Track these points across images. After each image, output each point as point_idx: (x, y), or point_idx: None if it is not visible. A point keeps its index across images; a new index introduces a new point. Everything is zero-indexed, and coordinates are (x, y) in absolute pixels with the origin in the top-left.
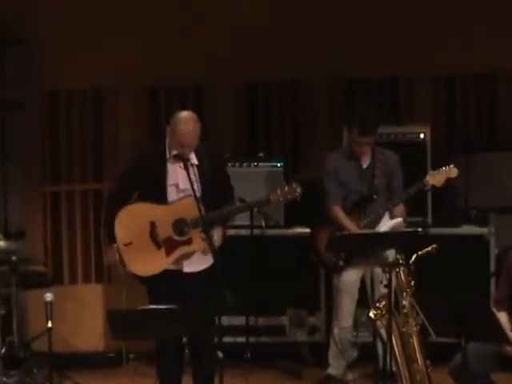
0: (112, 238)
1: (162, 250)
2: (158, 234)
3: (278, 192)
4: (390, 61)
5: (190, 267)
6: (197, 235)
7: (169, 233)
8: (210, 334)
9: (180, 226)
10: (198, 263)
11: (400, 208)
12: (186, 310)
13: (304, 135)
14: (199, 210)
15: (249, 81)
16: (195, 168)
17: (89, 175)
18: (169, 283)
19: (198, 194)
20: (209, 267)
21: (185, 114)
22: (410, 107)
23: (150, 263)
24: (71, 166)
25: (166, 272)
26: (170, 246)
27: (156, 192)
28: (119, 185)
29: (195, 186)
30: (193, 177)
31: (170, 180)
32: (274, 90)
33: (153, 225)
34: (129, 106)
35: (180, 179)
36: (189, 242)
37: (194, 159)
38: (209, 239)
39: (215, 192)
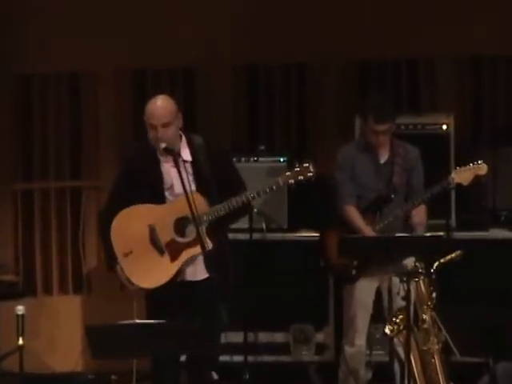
0: (115, 259)
1: (166, 256)
2: (159, 238)
3: (288, 173)
4: (407, 41)
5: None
6: (204, 234)
7: (170, 235)
8: (207, 354)
9: (182, 225)
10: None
11: (421, 209)
12: (176, 325)
13: (311, 126)
14: (190, 206)
15: (248, 63)
16: (189, 164)
17: (65, 171)
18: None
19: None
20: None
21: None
22: (431, 94)
23: (154, 273)
24: (45, 160)
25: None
26: (173, 250)
27: (153, 198)
28: (112, 200)
29: (186, 182)
30: (184, 175)
31: (166, 183)
32: (277, 75)
33: (152, 228)
34: (110, 92)
35: (175, 181)
36: (194, 242)
37: (187, 155)
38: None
39: (224, 191)
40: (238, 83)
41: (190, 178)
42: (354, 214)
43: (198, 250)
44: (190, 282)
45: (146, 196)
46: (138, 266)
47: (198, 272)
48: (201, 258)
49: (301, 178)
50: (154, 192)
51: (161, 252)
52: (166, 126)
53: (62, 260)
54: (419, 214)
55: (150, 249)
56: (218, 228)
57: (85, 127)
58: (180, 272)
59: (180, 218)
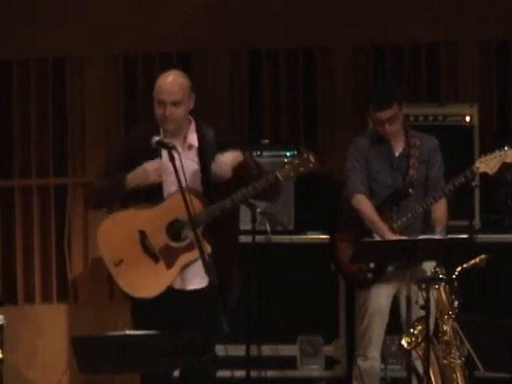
0: (120, 178)
1: (161, 263)
2: (151, 243)
3: (287, 167)
4: (427, 22)
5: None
6: (199, 237)
7: (164, 240)
8: (205, 369)
9: (176, 228)
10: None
11: (441, 204)
12: (171, 336)
13: (320, 117)
14: (187, 206)
15: (251, 47)
16: (194, 151)
17: (49, 167)
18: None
19: (198, 187)
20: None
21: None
22: (453, 82)
23: (150, 281)
24: (27, 155)
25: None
26: (168, 256)
27: (149, 188)
28: (106, 173)
29: (182, 179)
30: (180, 169)
31: (165, 172)
32: (283, 60)
33: (142, 234)
34: (97, 78)
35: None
36: (191, 247)
37: (193, 140)
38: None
39: (223, 192)
40: (239, 69)
41: (195, 165)
42: (366, 204)
43: (195, 254)
44: (182, 291)
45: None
46: (131, 276)
47: (190, 280)
48: (194, 266)
49: (301, 170)
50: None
51: (155, 259)
52: (176, 104)
53: (45, 265)
54: (439, 209)
55: (143, 256)
56: (217, 230)
57: (70, 119)
58: (176, 279)
59: (173, 221)
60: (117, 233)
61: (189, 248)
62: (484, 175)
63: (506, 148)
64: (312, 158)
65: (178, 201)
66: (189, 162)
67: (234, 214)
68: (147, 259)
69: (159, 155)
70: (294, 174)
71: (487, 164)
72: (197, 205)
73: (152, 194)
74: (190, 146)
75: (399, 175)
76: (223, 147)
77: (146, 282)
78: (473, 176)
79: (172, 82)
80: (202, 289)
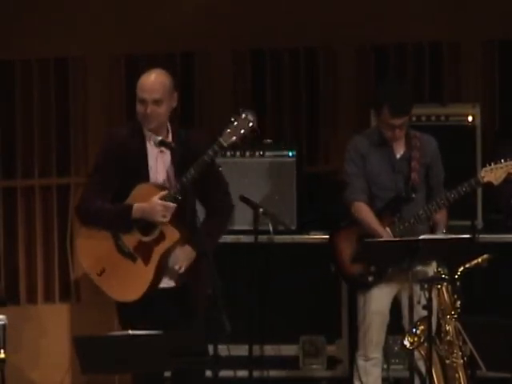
0: (124, 206)
1: (139, 261)
2: (125, 243)
3: (228, 131)
4: (430, 21)
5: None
6: (167, 225)
7: (136, 237)
8: (199, 369)
9: (144, 222)
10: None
11: (444, 213)
12: (173, 337)
13: (323, 117)
14: (160, 187)
15: (254, 47)
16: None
17: (52, 167)
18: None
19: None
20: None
21: None
22: (456, 81)
23: (133, 282)
24: (29, 155)
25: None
26: (143, 251)
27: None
28: (99, 188)
29: (160, 172)
30: (160, 164)
31: (151, 168)
32: (285, 60)
33: (115, 236)
34: (100, 78)
35: (159, 167)
36: (162, 236)
37: (170, 140)
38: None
39: (205, 201)
40: (242, 69)
41: (170, 166)
42: (366, 212)
43: (169, 241)
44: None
45: (130, 183)
46: (114, 282)
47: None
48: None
49: (242, 131)
50: (139, 177)
51: (132, 259)
52: (157, 103)
53: (47, 265)
54: (441, 216)
55: (121, 259)
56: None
57: (72, 119)
58: (160, 272)
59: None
60: (93, 242)
61: (161, 238)
62: (489, 183)
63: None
64: (250, 117)
65: (141, 192)
66: (168, 164)
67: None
68: (125, 261)
69: (144, 151)
70: (236, 137)
71: (492, 174)
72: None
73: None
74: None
75: (400, 178)
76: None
77: (130, 283)
78: (478, 185)
79: (154, 80)
80: (174, 288)
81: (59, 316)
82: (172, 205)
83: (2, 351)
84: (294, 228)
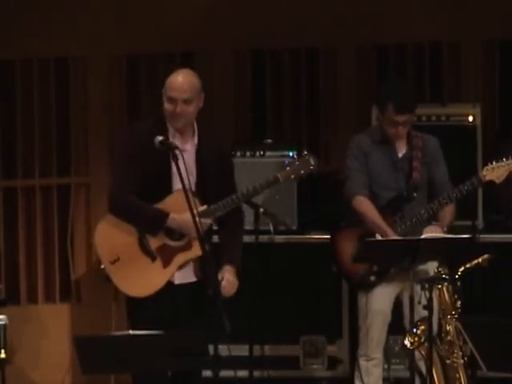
0: (160, 213)
1: (158, 262)
2: (149, 242)
3: (288, 168)
4: (431, 21)
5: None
6: (196, 237)
7: (161, 239)
8: (197, 369)
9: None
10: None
11: (449, 210)
12: (174, 337)
13: (323, 117)
14: (189, 205)
15: (254, 47)
16: (194, 151)
17: (52, 167)
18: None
19: (192, 186)
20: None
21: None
22: (456, 81)
23: (145, 280)
24: (30, 155)
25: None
26: (165, 254)
27: (159, 186)
28: (125, 183)
29: (185, 178)
30: (182, 166)
31: (173, 170)
32: (286, 60)
33: (141, 232)
34: (101, 78)
35: (180, 165)
36: (188, 246)
37: (195, 140)
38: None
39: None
40: (243, 69)
41: (193, 165)
42: (367, 206)
43: (193, 253)
44: (181, 284)
45: (151, 182)
46: (127, 274)
47: (187, 274)
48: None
49: (302, 172)
50: (161, 179)
51: (152, 258)
52: (186, 102)
53: (48, 265)
54: (447, 215)
55: (140, 255)
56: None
57: (73, 119)
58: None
59: None
60: (115, 231)
61: (186, 247)
62: (490, 182)
63: None
64: (312, 161)
65: (179, 200)
66: (190, 162)
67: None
68: (144, 257)
69: (166, 154)
70: (294, 175)
71: (494, 172)
72: (197, 204)
73: (159, 193)
74: (192, 146)
75: (402, 177)
76: (221, 156)
77: (142, 280)
78: (479, 184)
79: (184, 80)
80: (195, 283)
81: (59, 316)
82: (208, 222)
83: (3, 351)
84: (294, 228)
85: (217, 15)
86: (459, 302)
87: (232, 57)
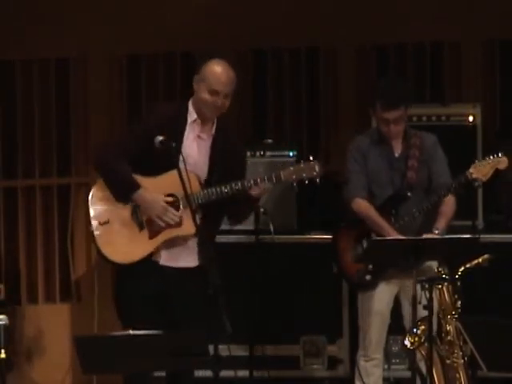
0: (132, 183)
1: (145, 232)
2: (141, 212)
3: (291, 168)
4: (431, 21)
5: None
6: (189, 217)
7: None
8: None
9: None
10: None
11: (449, 202)
12: (174, 336)
13: (324, 117)
14: (183, 184)
15: (255, 47)
16: (210, 141)
17: (52, 167)
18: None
19: (204, 175)
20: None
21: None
22: (457, 81)
23: (129, 247)
24: (30, 155)
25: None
26: (154, 227)
27: (165, 165)
28: (121, 149)
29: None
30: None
31: (184, 154)
32: (286, 59)
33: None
34: (101, 78)
35: (193, 151)
36: (178, 223)
37: (213, 130)
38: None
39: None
40: (243, 69)
41: (207, 153)
42: (367, 208)
43: (182, 230)
44: (167, 266)
45: (159, 160)
46: (112, 238)
47: (174, 257)
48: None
49: (304, 175)
50: (169, 159)
51: (140, 227)
52: (227, 96)
53: (48, 265)
54: (446, 204)
55: (129, 223)
56: (214, 218)
57: (73, 119)
58: (156, 252)
59: (168, 195)
60: (111, 196)
61: (176, 224)
62: (476, 179)
63: (499, 154)
64: (317, 168)
65: (176, 177)
66: (204, 150)
67: (222, 211)
68: (133, 226)
69: (181, 136)
70: (296, 177)
71: (480, 170)
72: (194, 185)
73: (161, 169)
74: (209, 135)
75: (398, 176)
76: (233, 150)
77: (125, 247)
78: (466, 181)
79: (228, 74)
80: (193, 268)
81: (60, 316)
82: (174, 214)
83: (3, 351)
84: (295, 227)
85: (217, 15)
86: (459, 302)
87: (232, 57)
